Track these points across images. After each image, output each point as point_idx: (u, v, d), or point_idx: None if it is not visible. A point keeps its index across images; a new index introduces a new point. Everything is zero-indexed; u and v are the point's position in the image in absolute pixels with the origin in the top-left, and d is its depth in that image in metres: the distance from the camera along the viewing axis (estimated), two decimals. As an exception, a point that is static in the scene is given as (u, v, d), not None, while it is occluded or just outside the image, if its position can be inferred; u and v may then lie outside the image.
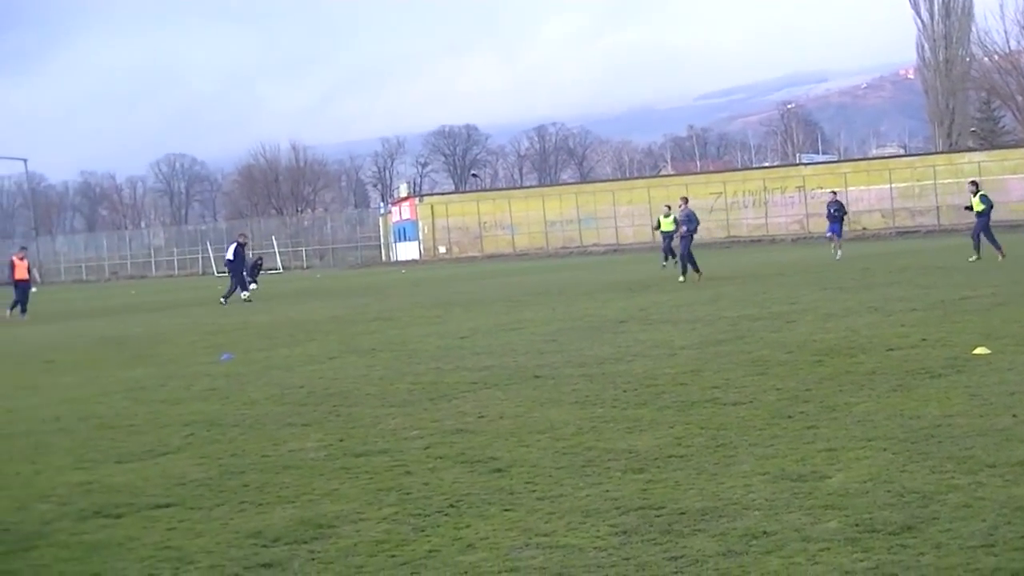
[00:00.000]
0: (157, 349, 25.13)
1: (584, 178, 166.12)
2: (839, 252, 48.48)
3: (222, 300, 42.94)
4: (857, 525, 7.95)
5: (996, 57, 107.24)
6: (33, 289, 60.19)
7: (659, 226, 46.95)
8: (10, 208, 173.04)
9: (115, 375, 20.59)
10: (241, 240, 45.83)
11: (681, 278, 38.13)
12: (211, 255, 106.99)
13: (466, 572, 7.60)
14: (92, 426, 14.95)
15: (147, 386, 18.71)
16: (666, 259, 47.55)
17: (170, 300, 48.39)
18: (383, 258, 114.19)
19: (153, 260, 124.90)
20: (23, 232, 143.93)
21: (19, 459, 12.99)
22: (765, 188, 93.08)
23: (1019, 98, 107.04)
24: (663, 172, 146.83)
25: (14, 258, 43.92)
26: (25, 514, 10.22)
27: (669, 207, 47.25)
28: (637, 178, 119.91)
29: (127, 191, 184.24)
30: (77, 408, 16.69)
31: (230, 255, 44.93)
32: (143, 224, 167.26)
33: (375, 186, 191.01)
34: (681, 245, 39.64)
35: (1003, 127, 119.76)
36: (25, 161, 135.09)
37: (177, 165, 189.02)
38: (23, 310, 41.69)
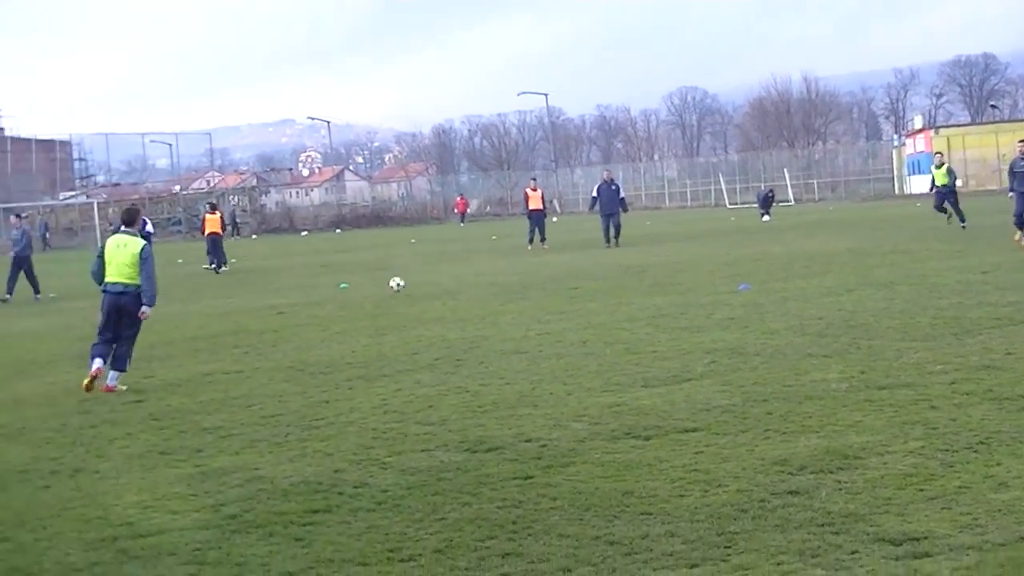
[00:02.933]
0: (676, 278, 25.64)
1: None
2: None
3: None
4: None
5: None
6: (554, 219, 62.61)
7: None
8: (531, 141, 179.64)
9: (637, 302, 21.20)
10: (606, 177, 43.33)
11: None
12: (723, 187, 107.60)
13: (999, 510, 7.47)
14: (618, 351, 15.50)
15: (668, 314, 19.17)
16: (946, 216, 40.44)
17: (685, 231, 49.14)
18: (896, 191, 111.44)
19: (667, 192, 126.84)
20: (543, 164, 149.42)
21: (551, 380, 13.67)
22: None
23: None
24: None
25: (527, 189, 45.61)
26: (561, 432, 10.78)
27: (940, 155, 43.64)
28: None
29: (641, 124, 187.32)
30: (602, 333, 17.33)
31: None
32: (656, 156, 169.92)
33: (887, 118, 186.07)
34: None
35: None
36: (546, 96, 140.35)
37: (689, 98, 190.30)
38: (543, 238, 43.17)
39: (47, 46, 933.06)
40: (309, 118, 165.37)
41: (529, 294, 24.38)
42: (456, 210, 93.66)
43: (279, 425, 12.10)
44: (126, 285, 15.26)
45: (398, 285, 22.99)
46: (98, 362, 15.05)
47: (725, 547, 7.25)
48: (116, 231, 16.00)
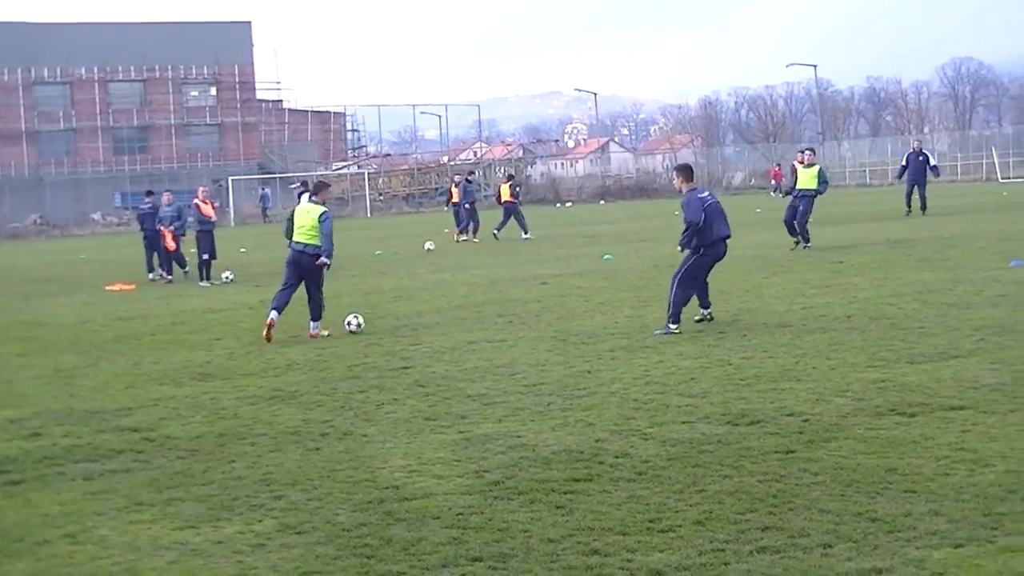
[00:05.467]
0: (944, 253, 24.97)
1: None
2: None
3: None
4: None
5: None
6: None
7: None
8: (798, 113, 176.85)
9: (903, 277, 20.75)
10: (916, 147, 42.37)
11: None
12: (995, 161, 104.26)
13: None
14: (883, 326, 15.25)
15: (936, 289, 18.72)
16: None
17: (954, 205, 47.74)
18: None
19: (937, 164, 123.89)
20: (809, 137, 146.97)
21: (815, 354, 13.55)
22: None
23: None
24: None
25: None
26: (824, 407, 10.70)
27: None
28: None
29: (912, 96, 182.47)
30: (867, 308, 17.06)
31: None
32: (926, 129, 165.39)
33: None
34: None
35: None
36: (815, 67, 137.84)
37: (963, 69, 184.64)
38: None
39: (324, 18, 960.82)
40: (576, 90, 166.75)
41: (793, 267, 24.12)
42: (772, 180, 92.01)
43: (541, 394, 12.29)
44: (306, 245, 17.73)
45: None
46: (273, 314, 17.39)
47: (991, 528, 7.13)
48: (304, 198, 18.45)
